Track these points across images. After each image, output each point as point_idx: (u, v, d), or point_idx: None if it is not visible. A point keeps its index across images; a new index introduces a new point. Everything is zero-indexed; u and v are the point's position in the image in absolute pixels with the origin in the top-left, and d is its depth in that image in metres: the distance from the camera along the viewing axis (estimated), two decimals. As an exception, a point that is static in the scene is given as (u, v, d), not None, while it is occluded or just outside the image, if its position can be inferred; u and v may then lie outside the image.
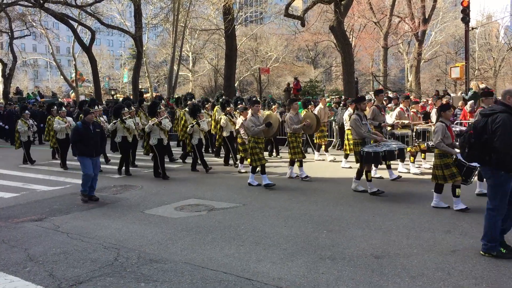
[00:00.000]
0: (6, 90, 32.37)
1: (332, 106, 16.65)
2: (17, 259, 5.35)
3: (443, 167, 6.98)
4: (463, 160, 6.62)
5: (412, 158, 10.49)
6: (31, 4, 26.96)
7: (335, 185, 9.38)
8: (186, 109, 12.81)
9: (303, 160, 10.25)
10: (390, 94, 19.32)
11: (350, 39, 31.42)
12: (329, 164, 12.19)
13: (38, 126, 15.17)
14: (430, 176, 9.68)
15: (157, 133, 10.60)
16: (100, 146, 8.58)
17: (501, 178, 4.97)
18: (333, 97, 21.85)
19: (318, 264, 4.94)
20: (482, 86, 17.76)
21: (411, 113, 10.83)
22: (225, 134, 12.21)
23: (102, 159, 11.80)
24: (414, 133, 10.55)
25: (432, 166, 7.49)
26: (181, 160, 13.04)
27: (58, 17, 27.25)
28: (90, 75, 37.27)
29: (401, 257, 5.10)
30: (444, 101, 13.67)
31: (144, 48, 33.22)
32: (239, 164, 11.42)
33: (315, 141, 13.06)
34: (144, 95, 31.03)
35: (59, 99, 30.39)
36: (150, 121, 10.72)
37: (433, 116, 10.89)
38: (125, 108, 11.41)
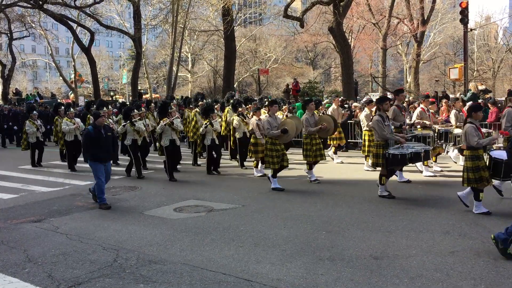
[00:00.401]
0: (5, 91, 32.34)
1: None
2: (16, 260, 5.35)
3: (474, 170, 6.72)
4: (498, 158, 6.69)
5: (434, 158, 10.21)
6: (30, 5, 26.97)
7: (333, 186, 9.39)
8: (197, 109, 12.60)
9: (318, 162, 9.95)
10: (389, 95, 19.32)
11: (349, 40, 31.51)
12: (329, 165, 12.18)
13: (45, 126, 14.65)
14: (434, 179, 9.78)
15: (169, 133, 10.39)
16: (113, 150, 8.25)
17: None
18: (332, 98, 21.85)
19: (317, 265, 4.95)
20: (481, 87, 17.81)
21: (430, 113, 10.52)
22: (237, 135, 11.76)
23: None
24: (436, 134, 10.13)
25: (462, 169, 7.03)
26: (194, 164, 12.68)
27: (57, 18, 27.27)
28: (89, 76, 37.27)
29: (400, 258, 5.11)
30: (444, 102, 13.73)
31: (143, 49, 33.22)
32: (254, 168, 10.95)
33: (328, 142, 12.70)
34: (143, 96, 31.08)
35: (58, 100, 30.31)
36: (161, 121, 10.44)
37: (452, 118, 10.75)
38: (135, 110, 11.29)
